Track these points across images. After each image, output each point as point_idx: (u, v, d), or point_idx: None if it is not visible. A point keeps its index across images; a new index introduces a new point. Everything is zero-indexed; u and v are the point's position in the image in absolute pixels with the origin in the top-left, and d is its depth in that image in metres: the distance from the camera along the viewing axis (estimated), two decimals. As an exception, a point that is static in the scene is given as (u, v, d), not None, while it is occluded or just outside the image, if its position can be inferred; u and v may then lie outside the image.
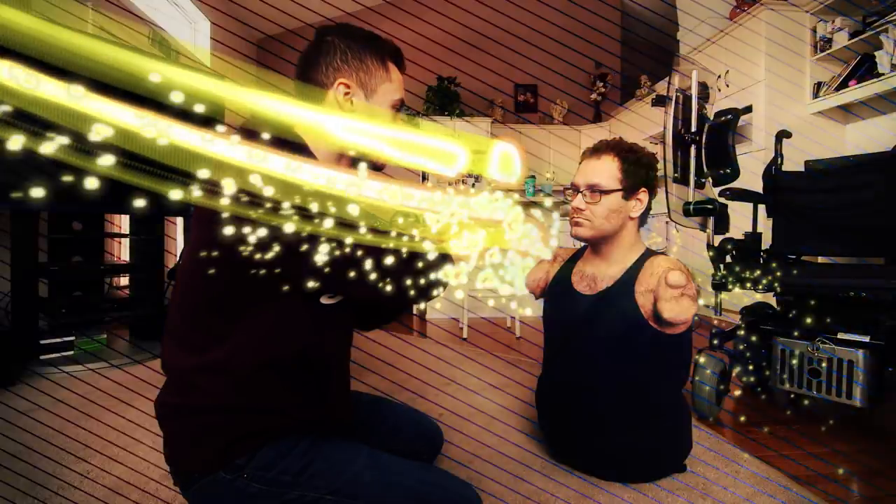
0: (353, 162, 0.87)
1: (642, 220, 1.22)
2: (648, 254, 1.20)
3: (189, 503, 0.84)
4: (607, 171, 1.17)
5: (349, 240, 0.67)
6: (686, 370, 1.21)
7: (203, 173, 0.55)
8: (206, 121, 0.52)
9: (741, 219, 2.11)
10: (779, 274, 1.70)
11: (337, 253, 0.66)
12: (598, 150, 1.21)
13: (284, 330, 0.79)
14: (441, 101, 5.80)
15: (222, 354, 0.76)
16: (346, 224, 0.66)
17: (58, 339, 2.29)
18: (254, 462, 0.77)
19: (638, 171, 1.17)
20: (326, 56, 0.82)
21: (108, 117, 0.46)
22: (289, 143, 0.74)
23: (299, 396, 0.83)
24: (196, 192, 0.56)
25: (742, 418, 1.67)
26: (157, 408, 0.83)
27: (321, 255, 0.65)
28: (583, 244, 1.32)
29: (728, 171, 1.70)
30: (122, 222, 3.36)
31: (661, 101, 1.72)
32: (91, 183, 0.47)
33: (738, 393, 1.91)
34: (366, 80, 0.83)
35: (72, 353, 2.33)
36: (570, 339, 1.24)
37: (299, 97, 0.85)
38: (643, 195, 1.19)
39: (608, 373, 1.16)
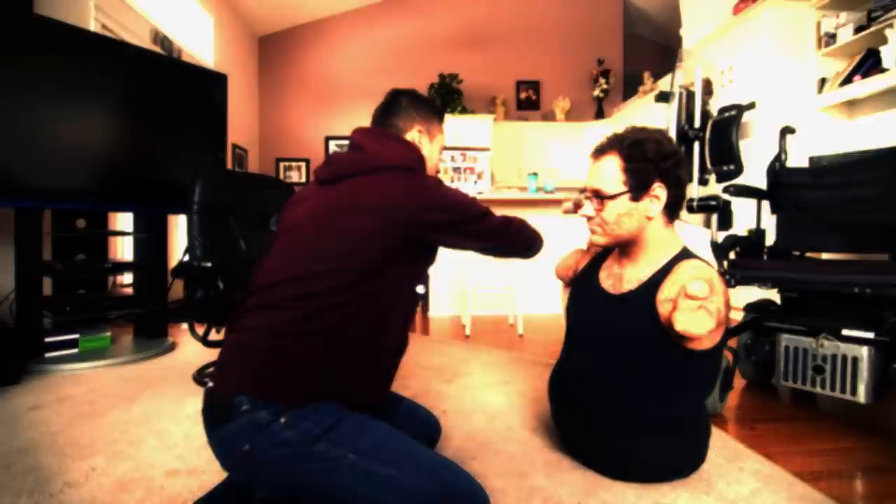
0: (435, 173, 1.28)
1: (672, 214, 1.12)
2: (682, 256, 1.09)
3: (214, 446, 0.88)
4: (609, 173, 1.08)
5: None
6: (711, 385, 1.15)
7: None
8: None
9: (745, 215, 2.11)
10: (782, 270, 1.69)
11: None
12: (600, 149, 1.13)
13: (370, 303, 0.95)
14: (443, 97, 5.78)
15: (309, 309, 0.90)
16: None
17: (62, 337, 2.30)
18: (293, 408, 0.85)
19: (644, 166, 1.05)
20: (405, 110, 1.18)
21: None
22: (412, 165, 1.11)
23: (353, 367, 0.94)
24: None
25: (746, 415, 1.67)
26: (227, 332, 0.99)
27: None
28: None
29: (732, 166, 1.69)
30: (126, 220, 3.37)
31: (664, 98, 1.71)
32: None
33: (741, 389, 1.91)
34: (430, 129, 1.21)
35: (76, 350, 2.34)
36: (589, 336, 1.22)
37: (379, 133, 1.17)
38: (659, 190, 1.07)
39: (624, 376, 1.11)
